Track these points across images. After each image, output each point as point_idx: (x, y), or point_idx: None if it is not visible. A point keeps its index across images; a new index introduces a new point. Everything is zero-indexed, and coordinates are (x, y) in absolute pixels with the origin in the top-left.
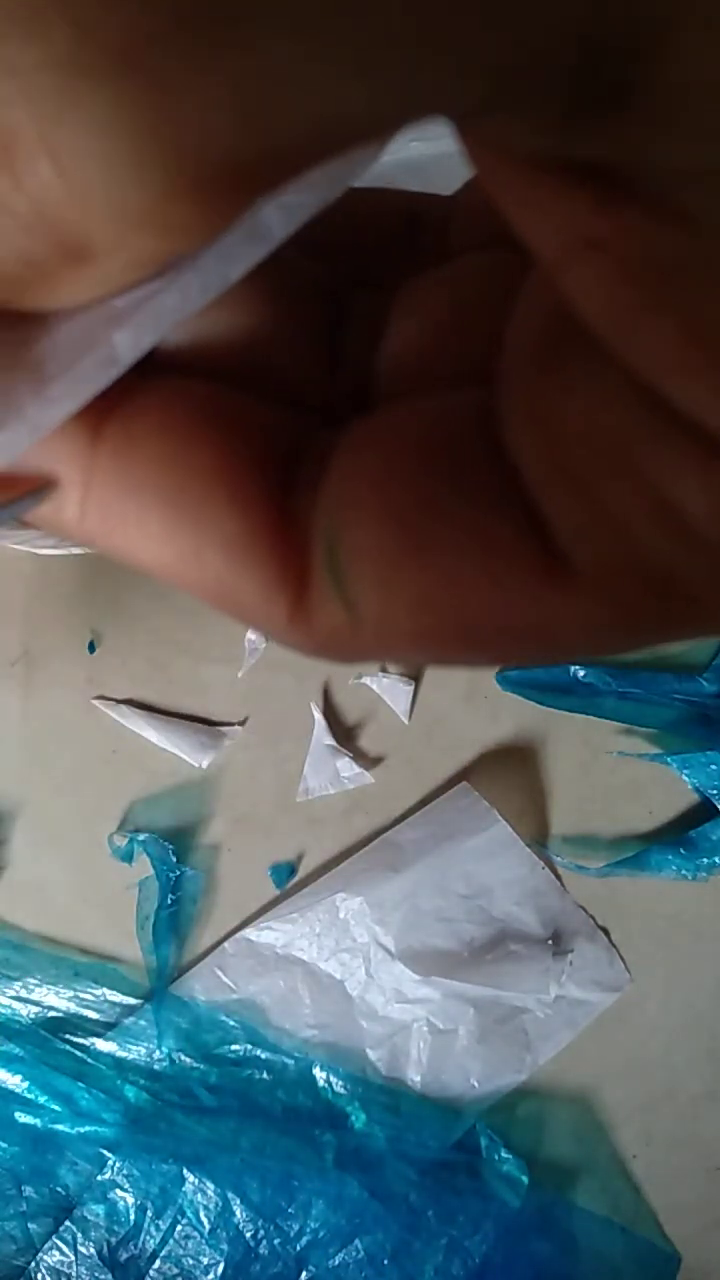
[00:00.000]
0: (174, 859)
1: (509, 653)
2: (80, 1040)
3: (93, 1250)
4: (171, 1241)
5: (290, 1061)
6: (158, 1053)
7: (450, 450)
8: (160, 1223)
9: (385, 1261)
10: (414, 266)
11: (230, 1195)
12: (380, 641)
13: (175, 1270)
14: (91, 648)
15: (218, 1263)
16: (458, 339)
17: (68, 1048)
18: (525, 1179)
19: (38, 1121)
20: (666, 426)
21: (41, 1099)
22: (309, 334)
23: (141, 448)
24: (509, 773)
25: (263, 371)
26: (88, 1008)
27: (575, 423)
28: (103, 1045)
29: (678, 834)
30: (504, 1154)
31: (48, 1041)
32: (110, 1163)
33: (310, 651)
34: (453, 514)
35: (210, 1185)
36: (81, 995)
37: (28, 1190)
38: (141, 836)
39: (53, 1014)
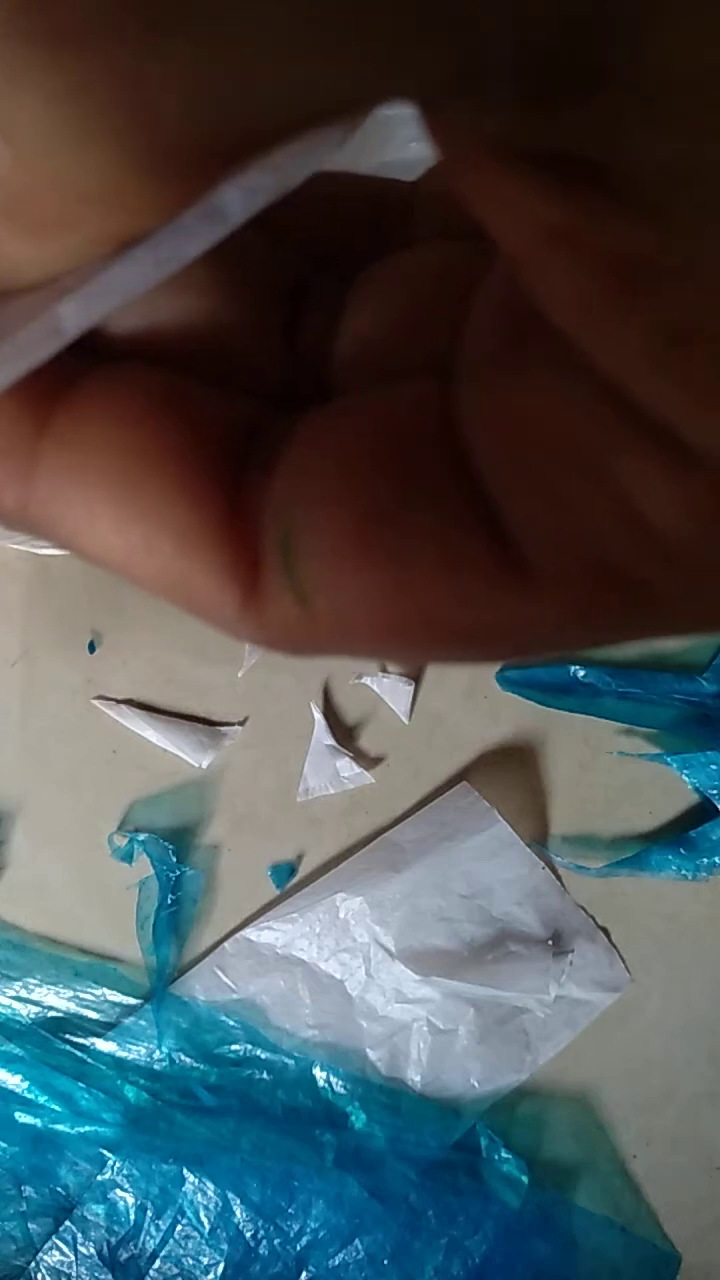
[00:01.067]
0: (174, 859)
1: (465, 651)
2: (80, 1040)
3: (93, 1250)
4: (171, 1241)
5: (290, 1061)
6: (158, 1053)
7: (408, 445)
8: (160, 1223)
9: (385, 1261)
10: (376, 252)
11: (230, 1195)
12: (334, 636)
13: (175, 1270)
14: (91, 648)
15: (218, 1263)
16: (417, 329)
17: (68, 1048)
18: (525, 1179)
19: (38, 1121)
20: (633, 430)
21: (41, 1099)
22: (267, 319)
23: (89, 436)
24: (509, 773)
25: (219, 357)
26: (88, 1008)
27: (537, 422)
28: (103, 1045)
29: (678, 834)
30: (504, 1154)
31: (48, 1041)
32: (110, 1163)
33: (262, 644)
34: (409, 510)
35: (210, 1185)
36: (81, 995)
37: (28, 1190)
38: (141, 836)
39: (53, 1014)
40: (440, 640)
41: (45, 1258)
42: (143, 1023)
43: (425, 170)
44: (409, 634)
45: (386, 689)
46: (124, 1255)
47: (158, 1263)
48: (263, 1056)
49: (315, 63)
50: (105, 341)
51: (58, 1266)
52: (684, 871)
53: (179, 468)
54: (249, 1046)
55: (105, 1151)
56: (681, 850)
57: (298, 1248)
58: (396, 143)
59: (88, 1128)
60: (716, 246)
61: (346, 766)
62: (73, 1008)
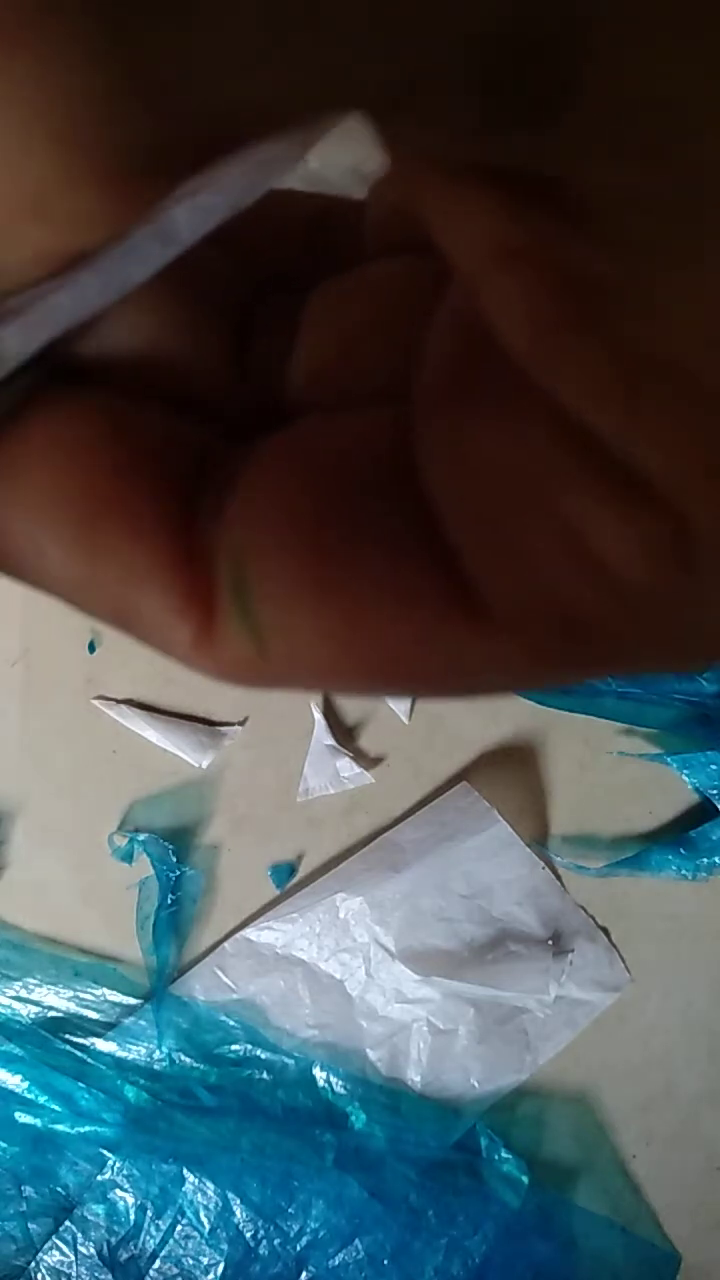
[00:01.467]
0: (174, 859)
1: (420, 688)
2: (80, 1040)
3: (93, 1250)
4: (171, 1241)
5: (290, 1061)
6: (158, 1053)
7: (361, 476)
8: (160, 1223)
9: (385, 1261)
10: (325, 270)
11: (230, 1195)
12: (288, 672)
13: (175, 1270)
14: (91, 648)
15: (218, 1263)
16: (371, 351)
17: (68, 1048)
18: (525, 1179)
19: (38, 1121)
20: (586, 462)
21: (41, 1099)
22: (216, 337)
23: (31, 468)
24: (509, 773)
25: (166, 380)
26: (88, 1008)
27: (488, 453)
28: (103, 1045)
29: (678, 834)
30: (504, 1154)
31: (48, 1041)
32: (110, 1163)
33: (216, 678)
34: (363, 548)
35: (210, 1185)
36: (81, 995)
37: (28, 1190)
38: (141, 836)
39: (53, 1014)
40: (395, 679)
41: (45, 1258)
42: (143, 1023)
43: (371, 185)
44: (364, 673)
45: None
46: (124, 1255)
47: (158, 1263)
48: (263, 1056)
49: (268, 66)
50: (49, 364)
51: (58, 1266)
52: (684, 871)
53: (126, 501)
54: (249, 1046)
55: (105, 1151)
56: (681, 850)
57: (298, 1248)
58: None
59: (88, 1128)
60: (674, 274)
61: (346, 766)
62: (73, 1008)
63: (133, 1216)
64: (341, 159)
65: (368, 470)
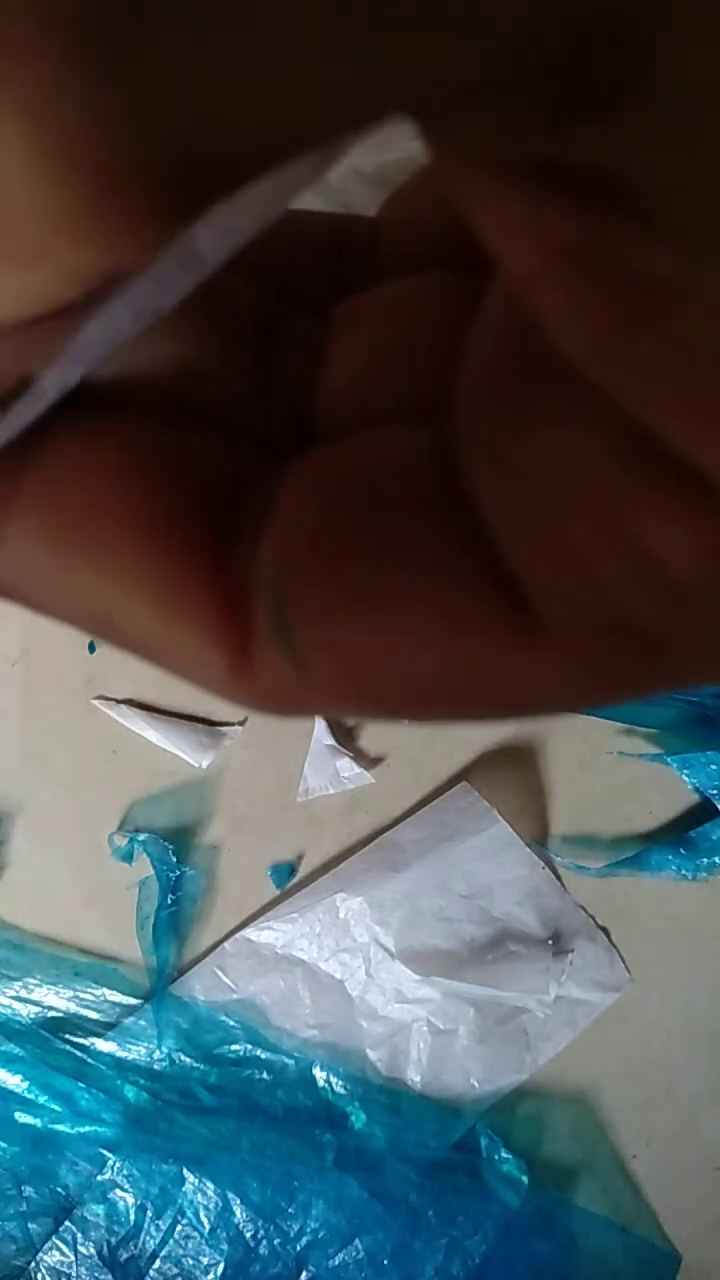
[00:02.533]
0: (174, 859)
1: (472, 712)
2: (80, 1040)
3: (93, 1250)
4: (171, 1241)
5: (290, 1061)
6: (158, 1053)
7: (402, 492)
8: (160, 1223)
9: (385, 1261)
10: (344, 288)
11: (230, 1195)
12: (332, 700)
13: (175, 1270)
14: (91, 648)
15: (218, 1263)
16: (402, 368)
17: (68, 1048)
18: (525, 1179)
19: (38, 1121)
20: (653, 469)
21: (41, 1099)
22: (241, 358)
23: (59, 497)
24: (509, 773)
25: (196, 403)
26: (88, 1008)
27: (543, 463)
28: (103, 1045)
29: (678, 834)
30: (504, 1154)
31: (48, 1041)
32: (110, 1163)
33: (254, 708)
34: (408, 562)
35: (210, 1185)
36: (81, 995)
37: (28, 1190)
38: (141, 836)
39: (53, 1014)
40: (445, 703)
41: (45, 1258)
42: (143, 1023)
43: (386, 200)
44: (413, 697)
45: None
46: (124, 1255)
47: (158, 1263)
48: (263, 1056)
49: (317, 70)
50: (78, 390)
51: (58, 1266)
52: (684, 871)
53: (156, 527)
54: (249, 1046)
55: (105, 1151)
56: (681, 850)
57: (298, 1248)
58: (400, 139)
59: (88, 1128)
60: None
61: (346, 766)
62: (73, 1008)
63: (133, 1216)
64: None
65: (409, 486)
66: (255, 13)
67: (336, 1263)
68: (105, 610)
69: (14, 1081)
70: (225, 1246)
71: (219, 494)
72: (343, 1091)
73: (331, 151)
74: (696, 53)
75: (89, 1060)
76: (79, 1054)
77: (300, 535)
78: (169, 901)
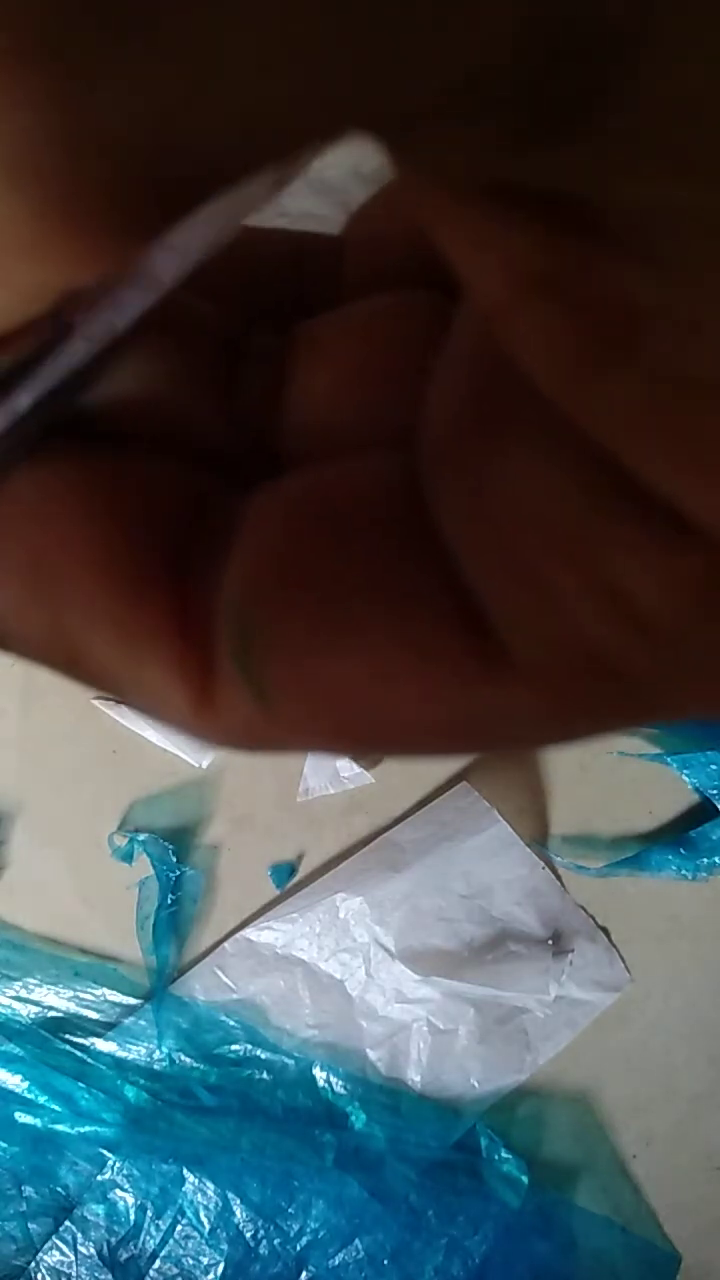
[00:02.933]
0: (174, 859)
1: (439, 747)
2: (80, 1040)
3: (93, 1250)
4: (171, 1241)
5: (290, 1061)
6: (158, 1053)
7: (367, 522)
8: (160, 1223)
9: (385, 1261)
10: (306, 308)
11: (230, 1195)
12: (297, 736)
13: (175, 1270)
14: None
15: (218, 1263)
16: (369, 392)
17: (68, 1048)
18: (525, 1179)
19: (38, 1121)
20: (623, 503)
21: (41, 1099)
22: (205, 383)
23: (16, 532)
24: (509, 773)
25: (156, 426)
26: (88, 1008)
27: (512, 495)
28: (103, 1045)
29: (678, 834)
30: (504, 1154)
31: (48, 1041)
32: (110, 1163)
33: (220, 744)
34: (373, 595)
35: (210, 1185)
36: (81, 995)
37: (28, 1190)
38: (141, 836)
39: (53, 1014)
40: (412, 738)
41: (45, 1258)
42: (143, 1023)
43: (351, 216)
44: (380, 732)
45: None
46: (124, 1255)
47: (158, 1263)
48: (263, 1056)
49: (279, 85)
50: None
51: (58, 1266)
52: (684, 871)
53: (113, 565)
54: (249, 1046)
55: (105, 1151)
56: (681, 850)
57: (298, 1248)
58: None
59: (88, 1128)
60: (718, 293)
61: (346, 766)
62: (73, 1008)
63: (133, 1216)
64: (343, 160)
65: (375, 513)
66: (218, 25)
67: (336, 1263)
68: (67, 654)
69: (14, 1081)
70: (225, 1246)
71: (179, 526)
72: (343, 1091)
73: (289, 169)
74: (689, 69)
75: (89, 1060)
76: (79, 1054)
77: (263, 565)
78: (169, 901)
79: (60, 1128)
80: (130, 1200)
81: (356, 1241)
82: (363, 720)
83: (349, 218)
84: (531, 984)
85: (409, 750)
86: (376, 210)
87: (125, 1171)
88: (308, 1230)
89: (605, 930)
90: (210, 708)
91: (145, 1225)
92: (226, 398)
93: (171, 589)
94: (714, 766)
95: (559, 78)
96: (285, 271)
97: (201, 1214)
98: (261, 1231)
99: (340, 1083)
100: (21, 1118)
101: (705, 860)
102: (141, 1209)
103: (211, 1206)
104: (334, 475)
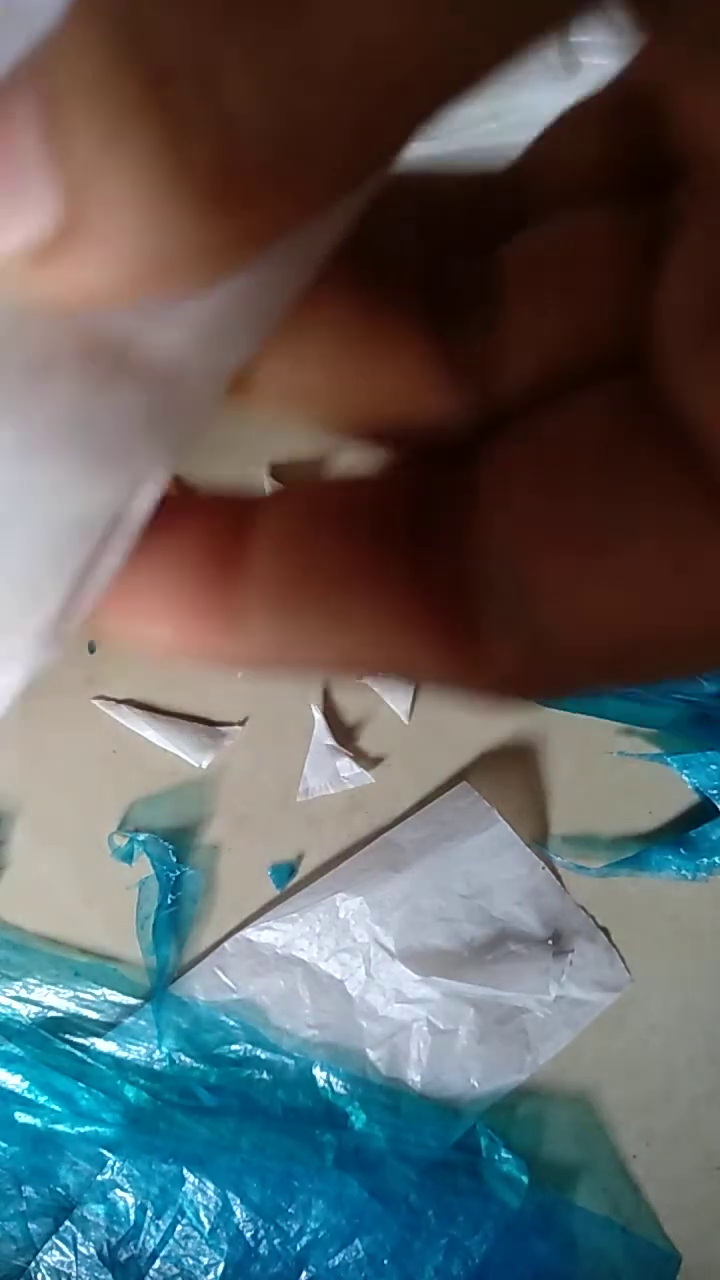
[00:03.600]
0: (174, 859)
1: (705, 660)
2: (80, 1040)
3: (93, 1250)
4: (171, 1241)
5: (290, 1061)
6: (158, 1053)
7: (625, 448)
8: (160, 1223)
9: (385, 1261)
10: (499, 230)
11: (230, 1195)
12: (572, 667)
13: (175, 1270)
14: (91, 648)
15: (218, 1263)
16: (593, 316)
17: (68, 1048)
18: (525, 1179)
19: (38, 1121)
20: None
21: (41, 1099)
22: (415, 334)
23: (284, 565)
24: (509, 773)
25: (382, 398)
26: (88, 1008)
27: None
28: (103, 1045)
29: (678, 834)
30: (504, 1154)
31: (48, 1041)
32: (110, 1163)
33: (495, 695)
34: (640, 518)
35: (210, 1185)
36: (81, 995)
37: (28, 1190)
38: (141, 836)
39: (53, 1014)
40: (683, 646)
41: (45, 1258)
42: (143, 1023)
43: (534, 141)
44: (657, 645)
45: (387, 689)
46: (124, 1255)
47: (158, 1263)
48: (263, 1056)
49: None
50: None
51: (58, 1266)
52: (684, 871)
53: (361, 568)
54: (249, 1046)
55: (105, 1151)
56: (681, 850)
57: (298, 1248)
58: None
59: (88, 1128)
60: None
61: (346, 766)
62: (73, 1008)
63: (133, 1216)
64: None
65: (628, 438)
66: None
67: (336, 1263)
68: (340, 656)
69: (14, 1081)
70: (225, 1246)
71: (409, 504)
72: (343, 1091)
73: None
74: None
75: (89, 1060)
76: (79, 1054)
77: (524, 516)
78: (169, 901)
79: (60, 1128)
80: (130, 1200)
81: (356, 1241)
82: (642, 638)
83: (530, 144)
84: (531, 984)
85: (683, 667)
86: (565, 127)
87: (125, 1171)
88: (308, 1230)
89: (605, 930)
90: (483, 662)
91: (145, 1225)
92: (439, 345)
93: (413, 568)
94: (714, 766)
95: None
96: (474, 196)
97: (201, 1214)
98: (261, 1231)
99: (340, 1083)
100: (21, 1118)
101: (705, 860)
102: (141, 1209)
103: (211, 1206)
104: (573, 410)
